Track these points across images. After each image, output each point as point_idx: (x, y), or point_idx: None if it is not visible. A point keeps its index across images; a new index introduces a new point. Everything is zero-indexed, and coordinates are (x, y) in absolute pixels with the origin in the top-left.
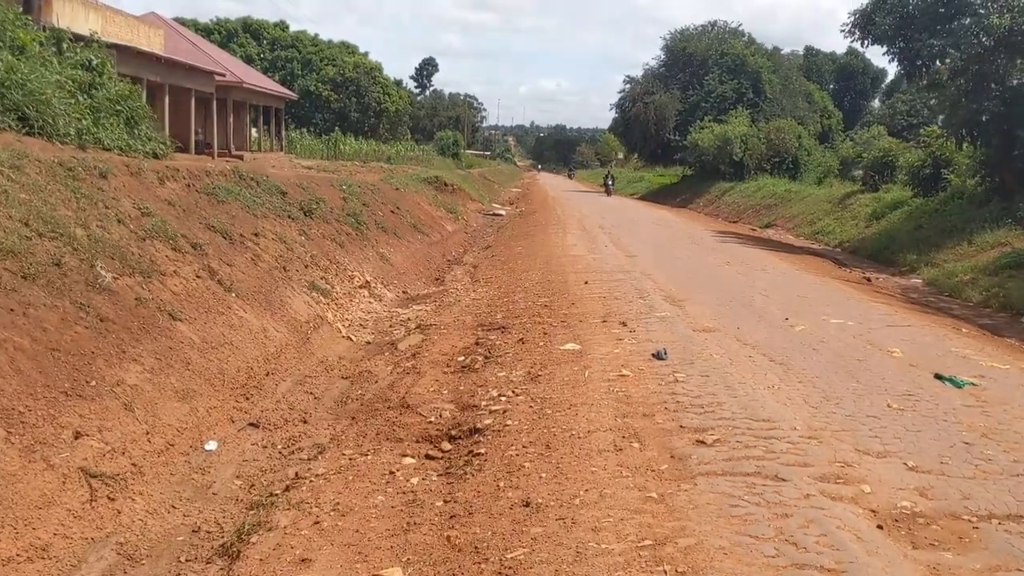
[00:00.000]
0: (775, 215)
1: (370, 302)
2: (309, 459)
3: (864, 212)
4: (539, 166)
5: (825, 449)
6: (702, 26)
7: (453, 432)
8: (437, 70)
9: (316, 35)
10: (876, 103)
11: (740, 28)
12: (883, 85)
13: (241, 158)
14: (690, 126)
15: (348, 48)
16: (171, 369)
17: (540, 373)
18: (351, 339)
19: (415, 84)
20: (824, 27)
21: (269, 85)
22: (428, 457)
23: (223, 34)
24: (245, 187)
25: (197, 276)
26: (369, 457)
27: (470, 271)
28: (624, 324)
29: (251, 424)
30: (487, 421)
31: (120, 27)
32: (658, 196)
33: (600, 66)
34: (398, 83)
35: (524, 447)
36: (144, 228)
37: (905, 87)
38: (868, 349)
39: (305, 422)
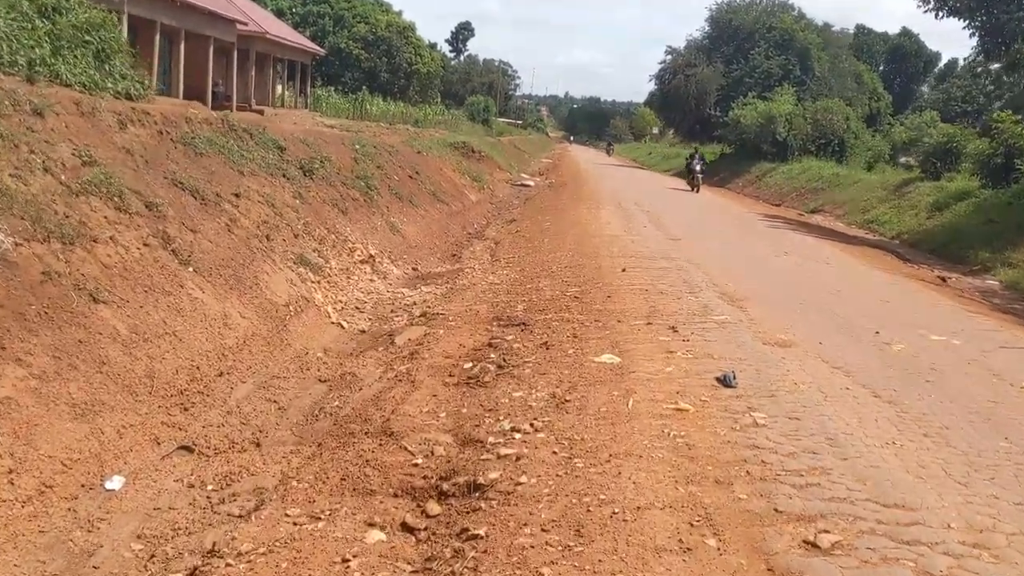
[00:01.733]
0: (822, 200)
1: (371, 280)
2: (241, 515)
3: (925, 202)
4: (571, 138)
5: (1007, 572)
6: None
7: (446, 485)
8: (473, 35)
9: None
10: (925, 88)
11: (790, 2)
12: (936, 69)
13: (261, 113)
14: (732, 102)
15: (381, 6)
16: (73, 372)
17: (568, 397)
18: (342, 326)
19: (450, 48)
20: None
21: (295, 38)
22: (405, 528)
23: None
24: (234, 139)
25: (144, 244)
26: (321, 524)
27: (491, 248)
28: (674, 329)
29: (183, 447)
30: (493, 475)
31: None
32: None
33: (638, 40)
34: (432, 46)
35: (543, 529)
36: (81, 181)
37: (959, 72)
38: (996, 383)
39: (257, 445)
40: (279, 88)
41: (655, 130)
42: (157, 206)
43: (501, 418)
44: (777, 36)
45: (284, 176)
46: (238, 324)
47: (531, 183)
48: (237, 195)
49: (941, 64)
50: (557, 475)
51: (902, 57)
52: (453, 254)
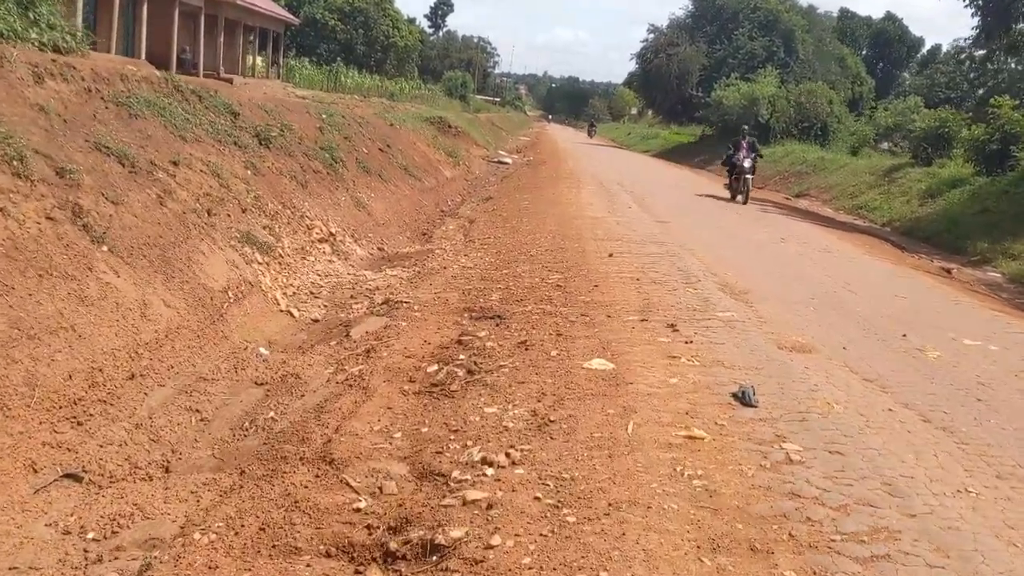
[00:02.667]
0: (807, 184)
1: (330, 261)
2: None
3: (916, 188)
4: (549, 117)
5: None
6: None
7: (394, 542)
8: (452, 10)
9: None
10: (907, 74)
11: None
12: (919, 55)
13: (230, 82)
14: (715, 83)
15: None
16: None
17: (553, 416)
18: (292, 314)
19: (429, 24)
20: None
21: (267, 5)
22: None
23: None
24: (179, 101)
25: (46, 217)
26: None
27: (465, 227)
28: (674, 328)
29: (68, 475)
30: (457, 532)
31: None
32: (674, 155)
33: (620, 20)
34: (411, 21)
35: None
36: None
37: (943, 57)
38: None
39: (166, 471)
40: (251, 57)
41: (634, 110)
42: (70, 173)
43: (469, 443)
44: (761, 17)
45: (235, 144)
46: (160, 314)
47: (508, 160)
48: (175, 163)
49: (924, 50)
50: (541, 535)
51: (885, 42)
52: (424, 233)
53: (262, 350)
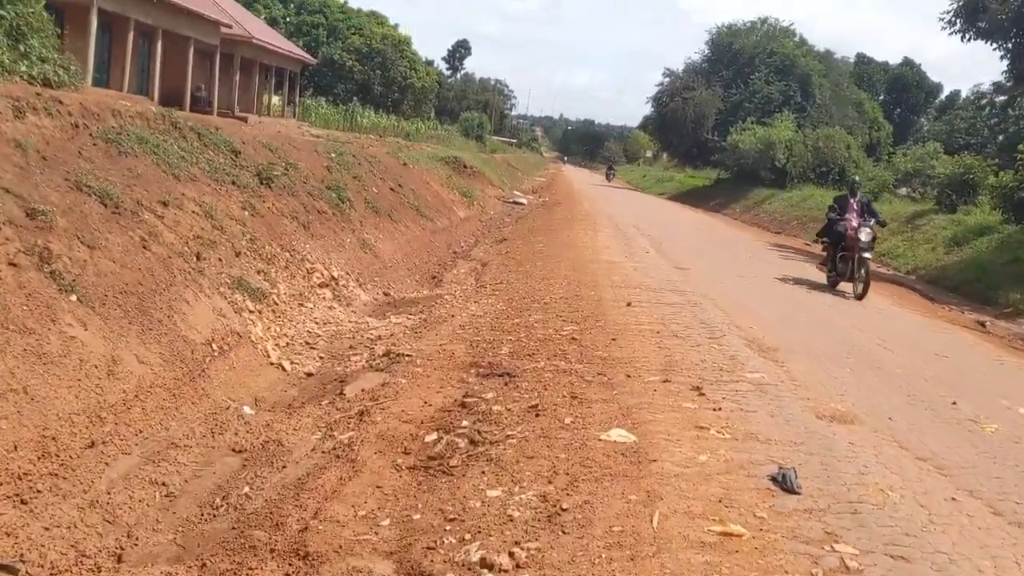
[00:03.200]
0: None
1: (331, 308)
2: None
3: (941, 236)
4: (565, 158)
5: None
6: (751, 22)
7: None
8: (469, 53)
9: (345, 2)
10: (925, 120)
11: (791, 27)
12: (937, 101)
13: (245, 120)
14: (731, 127)
15: (377, 18)
16: None
17: (566, 503)
18: (283, 368)
19: (447, 66)
20: (874, 33)
21: (283, 45)
22: None
23: None
24: (175, 138)
25: (8, 263)
26: None
27: (476, 270)
28: (700, 391)
29: (2, 568)
30: None
31: None
32: (689, 198)
33: (635, 64)
34: (429, 63)
35: None
36: None
37: (962, 103)
38: None
39: (118, 560)
40: (267, 96)
41: (649, 153)
42: (42, 214)
43: (468, 536)
44: (778, 61)
45: (234, 183)
46: (131, 372)
47: (524, 201)
48: (165, 203)
49: (942, 96)
50: None
51: (903, 87)
52: (434, 276)
53: (246, 409)
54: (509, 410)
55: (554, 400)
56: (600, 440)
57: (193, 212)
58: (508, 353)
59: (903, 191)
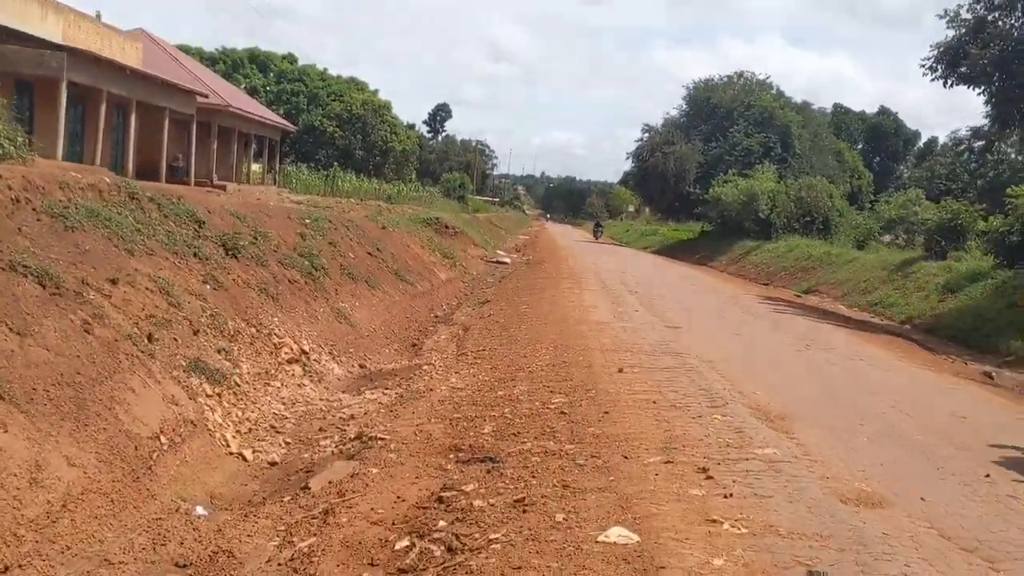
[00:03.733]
0: (815, 280)
1: (300, 385)
2: None
3: (933, 283)
4: (548, 215)
5: None
6: (728, 76)
7: None
8: (450, 116)
9: (325, 70)
10: (905, 167)
11: (768, 80)
12: (915, 148)
13: (224, 188)
14: (712, 179)
15: (357, 84)
16: None
17: None
18: (244, 458)
19: (428, 128)
20: (845, 85)
21: (262, 112)
22: None
23: (228, 64)
24: (131, 211)
25: None
26: None
27: (458, 336)
28: (707, 473)
29: None
30: None
31: (88, 34)
32: (674, 251)
33: (613, 120)
34: (410, 127)
35: None
36: None
37: (940, 150)
38: None
39: None
40: (246, 164)
41: (631, 208)
42: None
43: None
44: (756, 114)
45: (196, 255)
46: (59, 478)
47: (507, 260)
48: (114, 281)
49: (920, 143)
50: None
51: (881, 135)
52: (414, 344)
53: (199, 510)
54: (492, 505)
55: (543, 491)
56: (598, 543)
57: (147, 289)
58: (491, 432)
59: (886, 238)
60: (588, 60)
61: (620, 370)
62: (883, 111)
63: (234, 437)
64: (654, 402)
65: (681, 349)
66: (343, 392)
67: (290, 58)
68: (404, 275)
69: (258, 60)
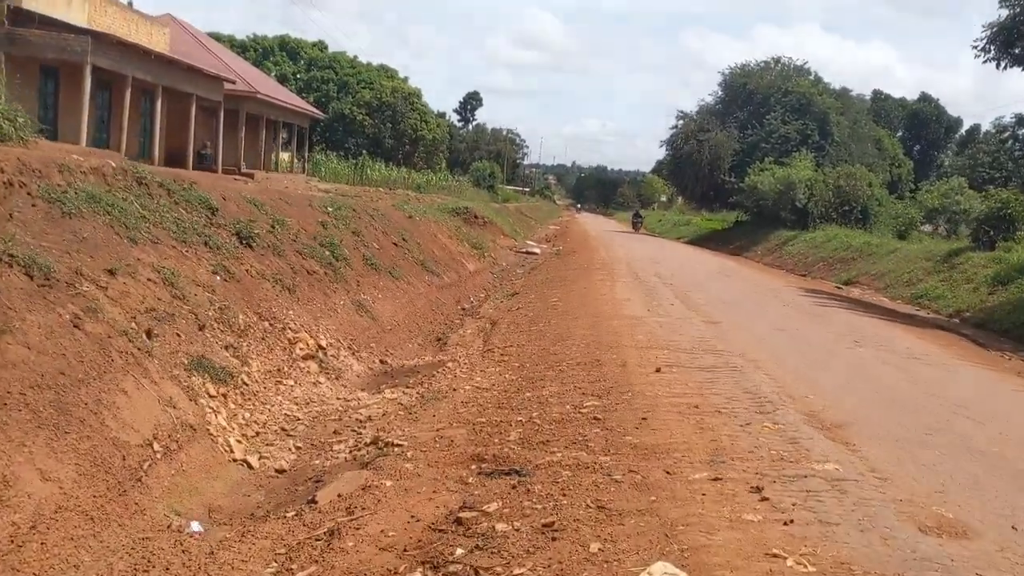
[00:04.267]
0: (855, 271)
1: (316, 383)
2: None
3: (982, 275)
4: (578, 205)
5: None
6: (764, 62)
7: None
8: (481, 104)
9: (355, 57)
10: (946, 155)
11: (806, 66)
12: (957, 135)
13: (251, 176)
14: (748, 168)
15: (387, 72)
16: None
17: None
18: (249, 464)
19: (458, 118)
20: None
21: (291, 99)
22: None
23: (259, 51)
24: (138, 196)
25: None
26: None
27: (485, 330)
28: (761, 493)
29: None
30: None
31: (114, 19)
32: (708, 242)
33: (645, 109)
34: (441, 115)
35: None
36: None
37: (983, 137)
38: None
39: None
40: (275, 152)
41: (663, 197)
42: None
43: None
44: (794, 100)
45: (206, 244)
46: (29, 495)
47: (537, 250)
48: (112, 272)
49: (963, 130)
50: None
51: (922, 123)
52: (438, 338)
53: (194, 526)
54: (517, 530)
55: (575, 513)
56: None
57: (148, 281)
58: (517, 440)
59: (927, 228)
60: (622, 48)
61: (657, 370)
62: (924, 98)
63: (239, 442)
64: (696, 407)
65: (722, 347)
66: (362, 390)
67: (320, 45)
68: (430, 266)
69: (288, 47)
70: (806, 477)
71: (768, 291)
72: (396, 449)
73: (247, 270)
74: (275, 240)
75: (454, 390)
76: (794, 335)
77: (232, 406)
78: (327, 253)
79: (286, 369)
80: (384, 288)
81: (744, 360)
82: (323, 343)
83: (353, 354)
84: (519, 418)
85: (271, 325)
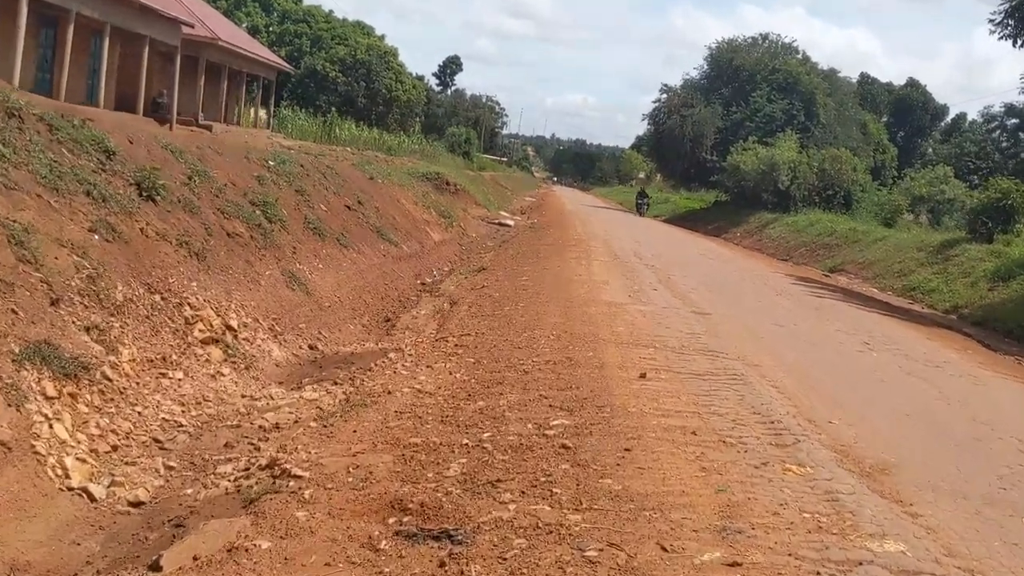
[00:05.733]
0: (840, 258)
1: (216, 375)
2: None
3: (980, 269)
4: (556, 179)
5: None
6: (752, 38)
7: None
8: (461, 69)
9: (330, 12)
10: (928, 143)
11: (794, 44)
12: (943, 123)
13: (209, 128)
14: (731, 146)
15: (363, 28)
16: None
17: None
18: (90, 495)
19: (437, 82)
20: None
21: (257, 49)
22: None
23: (230, 1)
24: (7, 134)
25: None
26: None
27: (442, 311)
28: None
29: None
30: None
31: None
32: (687, 221)
33: (628, 85)
34: (419, 78)
35: None
36: None
37: (969, 126)
38: None
39: None
40: (239, 104)
41: (642, 174)
42: None
43: None
44: (780, 79)
45: (88, 194)
46: None
47: (511, 222)
48: None
49: (948, 118)
50: None
51: (907, 109)
52: (387, 319)
53: None
54: None
55: None
56: None
57: None
58: (458, 477)
59: (909, 216)
60: (607, 21)
61: (642, 375)
62: (911, 83)
63: (82, 461)
64: (693, 433)
65: (716, 346)
66: (278, 384)
67: None
68: (388, 234)
69: None
70: (861, 565)
71: (755, 277)
72: (293, 483)
73: (142, 229)
74: (189, 194)
75: (389, 393)
76: (794, 332)
77: (83, 410)
78: (258, 213)
79: (175, 357)
80: (327, 257)
81: (745, 365)
82: (233, 323)
83: (275, 337)
84: (465, 440)
85: (163, 299)
